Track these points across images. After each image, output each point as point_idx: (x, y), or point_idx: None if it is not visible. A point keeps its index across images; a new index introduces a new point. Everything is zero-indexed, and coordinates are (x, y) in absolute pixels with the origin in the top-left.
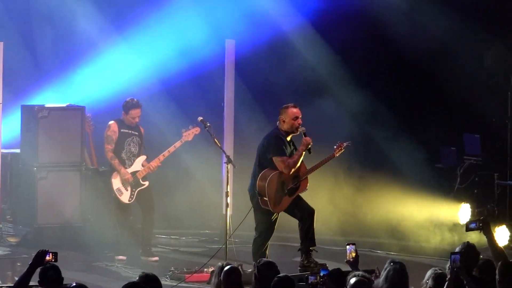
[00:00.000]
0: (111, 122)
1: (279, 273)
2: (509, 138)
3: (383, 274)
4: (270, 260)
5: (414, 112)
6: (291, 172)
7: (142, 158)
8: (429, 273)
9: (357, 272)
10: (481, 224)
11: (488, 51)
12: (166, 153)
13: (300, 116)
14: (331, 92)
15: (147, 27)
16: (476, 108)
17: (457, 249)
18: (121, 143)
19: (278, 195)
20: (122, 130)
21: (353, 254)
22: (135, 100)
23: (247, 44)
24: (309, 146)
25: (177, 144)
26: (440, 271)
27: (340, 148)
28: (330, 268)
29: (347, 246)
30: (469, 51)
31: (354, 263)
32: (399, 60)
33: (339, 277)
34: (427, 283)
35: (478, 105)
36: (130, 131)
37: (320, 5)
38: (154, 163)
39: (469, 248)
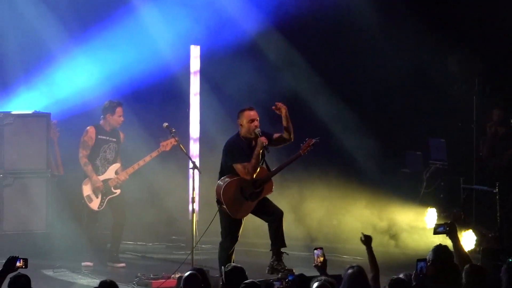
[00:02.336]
0: (88, 128)
1: (247, 279)
2: (474, 142)
3: (344, 279)
4: (238, 265)
5: (380, 117)
6: (253, 177)
7: (116, 165)
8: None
9: (320, 278)
10: (448, 228)
11: (452, 56)
12: (141, 162)
13: (257, 119)
14: (300, 97)
15: (112, 31)
16: (441, 112)
17: (429, 253)
18: (97, 149)
19: (237, 202)
20: (99, 137)
21: (321, 259)
22: (115, 100)
23: (211, 49)
24: (265, 145)
25: (154, 154)
26: (397, 277)
27: (308, 145)
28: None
29: (315, 251)
30: (433, 56)
31: (322, 268)
32: (367, 67)
33: (302, 282)
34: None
35: (443, 110)
36: (107, 138)
37: (285, 9)
38: (122, 176)
39: (440, 251)
